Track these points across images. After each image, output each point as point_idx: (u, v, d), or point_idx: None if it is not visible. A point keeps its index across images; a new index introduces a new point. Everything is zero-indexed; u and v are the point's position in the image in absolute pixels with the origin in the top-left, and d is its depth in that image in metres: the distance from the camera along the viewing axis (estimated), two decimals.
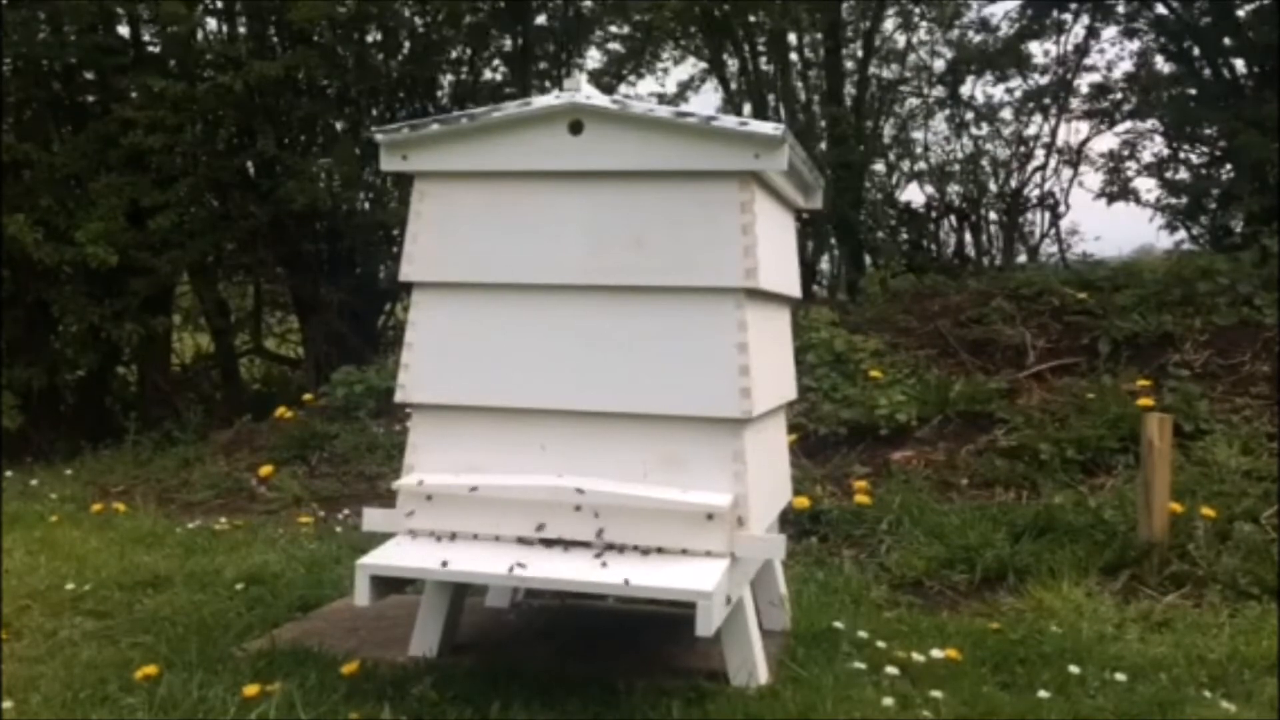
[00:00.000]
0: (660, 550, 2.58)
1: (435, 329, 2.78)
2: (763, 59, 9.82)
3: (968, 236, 10.08)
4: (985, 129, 10.32)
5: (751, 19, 9.45)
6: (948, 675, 2.84)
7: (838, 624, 3.18)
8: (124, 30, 7.75)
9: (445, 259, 2.77)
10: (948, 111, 10.35)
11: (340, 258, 8.11)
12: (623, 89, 9.60)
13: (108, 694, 2.73)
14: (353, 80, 7.94)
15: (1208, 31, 8.87)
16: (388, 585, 2.64)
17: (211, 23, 8.11)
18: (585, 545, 2.61)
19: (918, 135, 10.50)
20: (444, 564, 2.58)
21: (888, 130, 10.42)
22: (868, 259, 9.73)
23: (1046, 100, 9.99)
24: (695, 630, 2.39)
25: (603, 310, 2.68)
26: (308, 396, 6.78)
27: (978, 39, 10.29)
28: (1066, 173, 9.96)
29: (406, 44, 8.36)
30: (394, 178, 7.65)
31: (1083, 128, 11.36)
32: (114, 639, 3.21)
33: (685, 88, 10.40)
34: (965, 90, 10.33)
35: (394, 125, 2.81)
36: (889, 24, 10.18)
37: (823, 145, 9.33)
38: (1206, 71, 9.09)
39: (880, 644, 3.04)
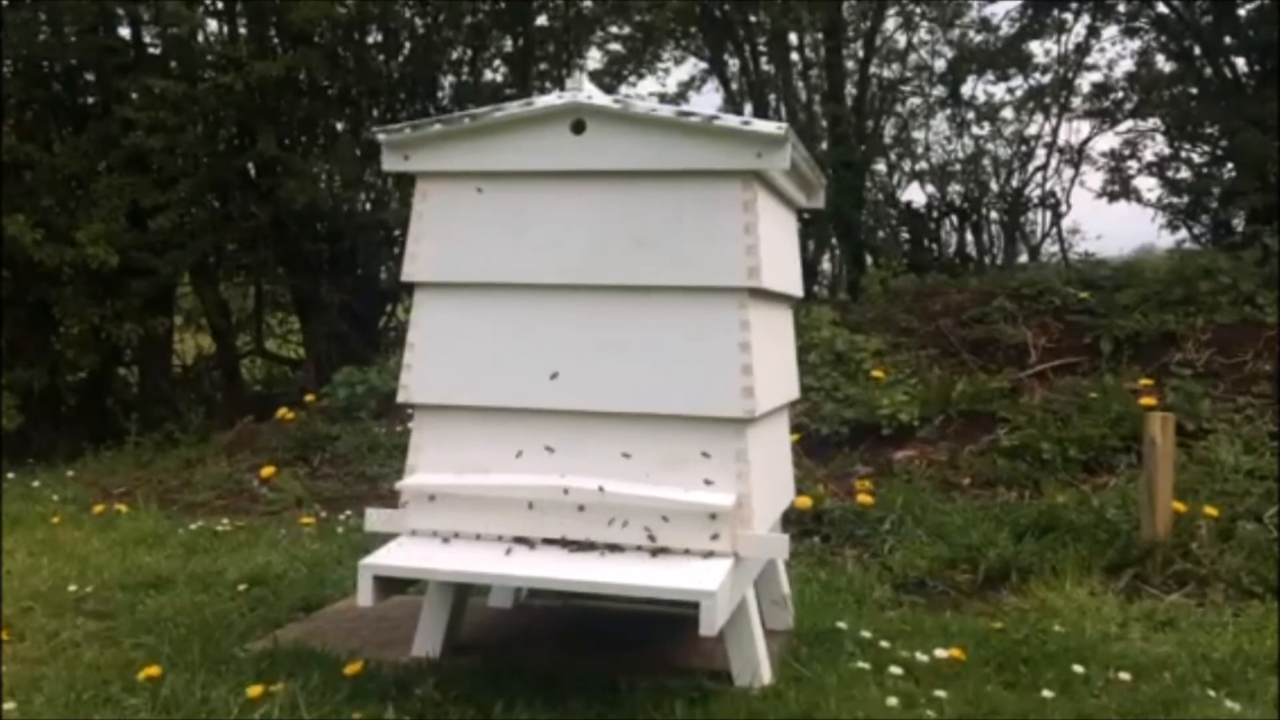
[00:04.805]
0: (664, 550, 2.58)
1: (437, 329, 2.78)
2: (763, 59, 9.83)
3: (969, 236, 10.10)
4: (986, 128, 10.35)
5: (752, 19, 9.46)
6: (951, 675, 2.84)
7: (841, 624, 3.18)
8: (125, 31, 7.74)
9: (447, 259, 2.76)
10: (949, 111, 10.38)
11: (341, 258, 8.10)
12: (623, 89, 9.60)
13: (110, 695, 2.73)
14: (353, 81, 7.95)
15: (1208, 30, 8.88)
16: (390, 585, 2.64)
17: (212, 23, 8.12)
18: (588, 545, 2.61)
19: (919, 135, 10.53)
20: (447, 564, 2.58)
21: (889, 130, 10.44)
22: (869, 258, 9.73)
23: (1047, 99, 10.00)
24: (699, 630, 2.38)
25: (605, 310, 2.68)
26: (309, 397, 6.77)
27: (979, 38, 10.31)
28: (1068, 172, 10.00)
29: (407, 44, 8.35)
30: (395, 178, 7.64)
31: (1084, 127, 11.37)
32: (116, 640, 3.21)
33: (686, 88, 10.42)
34: (966, 90, 10.37)
35: (396, 125, 2.81)
36: (890, 23, 10.21)
37: (824, 145, 9.33)
38: (1207, 70, 9.09)
39: (883, 644, 3.04)
